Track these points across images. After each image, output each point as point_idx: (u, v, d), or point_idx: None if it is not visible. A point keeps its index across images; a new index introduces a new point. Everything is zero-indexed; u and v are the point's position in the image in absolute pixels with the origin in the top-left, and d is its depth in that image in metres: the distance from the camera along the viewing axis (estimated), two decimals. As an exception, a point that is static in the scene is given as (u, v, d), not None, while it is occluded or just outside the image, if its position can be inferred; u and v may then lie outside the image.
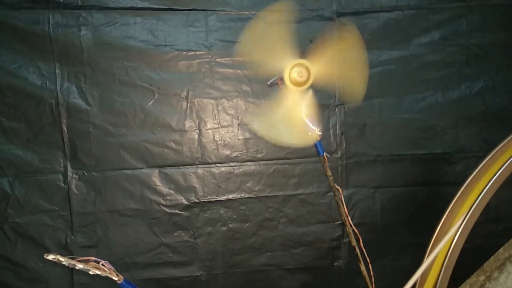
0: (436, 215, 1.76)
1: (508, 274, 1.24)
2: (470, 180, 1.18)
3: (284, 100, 1.29)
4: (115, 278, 0.96)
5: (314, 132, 1.21)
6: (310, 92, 1.29)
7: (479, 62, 1.72)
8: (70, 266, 0.91)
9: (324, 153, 1.22)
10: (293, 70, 1.26)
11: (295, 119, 1.27)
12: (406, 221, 1.75)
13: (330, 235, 1.74)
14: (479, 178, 1.17)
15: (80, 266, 0.89)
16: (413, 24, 1.71)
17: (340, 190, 1.24)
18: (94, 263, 0.92)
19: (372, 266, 1.70)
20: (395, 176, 1.74)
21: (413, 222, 1.75)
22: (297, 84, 1.24)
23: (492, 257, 1.33)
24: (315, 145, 1.22)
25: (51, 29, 1.57)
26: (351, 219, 1.69)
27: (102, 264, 0.93)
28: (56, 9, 1.57)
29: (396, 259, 1.76)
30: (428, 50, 1.72)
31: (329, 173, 1.24)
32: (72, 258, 0.92)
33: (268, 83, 1.34)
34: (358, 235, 1.27)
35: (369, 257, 1.70)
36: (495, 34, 1.72)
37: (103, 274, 0.93)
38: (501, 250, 1.34)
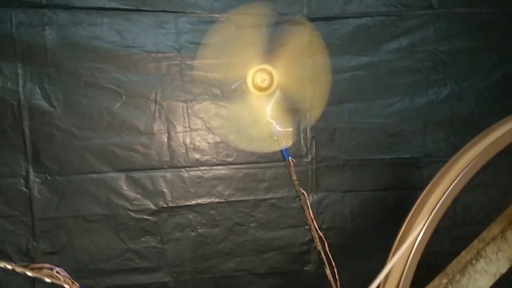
0: (405, 218, 1.79)
1: (470, 277, 1.26)
2: (432, 183, 1.18)
3: (249, 104, 1.29)
4: (67, 287, 0.91)
5: (279, 137, 1.20)
6: (275, 97, 1.28)
7: (446, 69, 1.76)
8: (22, 274, 0.87)
9: (290, 158, 1.21)
10: (256, 75, 1.25)
11: (261, 124, 1.27)
12: (375, 225, 1.77)
13: (300, 239, 1.73)
14: (441, 181, 1.18)
15: (30, 274, 0.85)
16: (382, 31, 1.74)
17: (305, 194, 1.24)
18: (48, 271, 0.88)
19: (342, 270, 1.71)
20: (364, 181, 1.75)
21: (383, 226, 1.77)
22: (260, 89, 1.24)
23: (455, 260, 1.35)
24: (280, 150, 1.22)
25: (13, 28, 1.53)
26: (321, 223, 1.71)
27: (56, 272, 0.89)
28: (19, 8, 1.53)
29: (366, 262, 1.77)
30: (397, 56, 1.75)
31: (294, 177, 1.24)
32: (25, 266, 0.88)
33: (233, 87, 1.33)
34: (324, 239, 1.27)
35: (339, 261, 1.71)
36: (462, 41, 1.76)
37: (56, 282, 0.89)
38: (463, 253, 1.36)
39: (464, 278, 1.24)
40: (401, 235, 1.18)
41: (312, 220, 1.20)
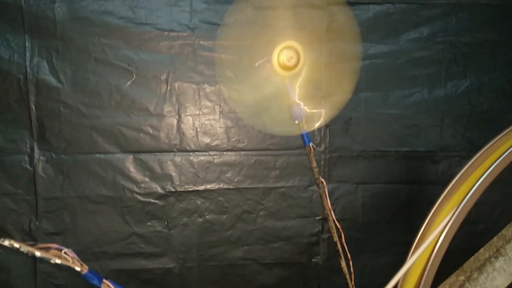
0: (418, 214, 1.75)
1: (488, 275, 1.23)
2: (457, 179, 1.15)
3: (270, 85, 1.23)
4: (78, 268, 0.87)
5: (301, 120, 1.15)
6: (300, 78, 1.23)
7: (467, 61, 1.72)
8: (29, 254, 0.83)
9: (310, 144, 1.17)
10: (282, 52, 1.20)
11: (282, 106, 1.22)
12: (387, 218, 1.74)
13: (310, 230, 1.70)
14: (465, 178, 1.14)
15: (38, 253, 0.81)
16: (403, 19, 1.69)
17: (324, 183, 1.19)
18: (56, 251, 0.83)
19: (351, 263, 1.67)
20: (378, 173, 1.72)
21: (394, 220, 1.74)
22: (286, 68, 1.18)
23: (472, 257, 1.31)
24: (302, 134, 1.17)
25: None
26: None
27: (65, 253, 0.85)
28: (29, -22, 1.47)
29: (375, 257, 1.74)
30: (416, 46, 1.71)
31: (314, 164, 1.19)
32: (32, 245, 0.83)
33: (256, 64, 1.28)
34: (341, 230, 1.22)
35: (350, 254, 1.67)
36: (484, 33, 1.72)
37: (65, 263, 0.84)
38: (481, 250, 1.32)
39: (482, 276, 1.21)
40: (423, 231, 1.15)
41: (330, 210, 1.16)
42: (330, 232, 1.24)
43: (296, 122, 1.16)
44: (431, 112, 1.72)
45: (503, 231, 1.38)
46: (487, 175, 1.12)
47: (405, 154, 1.72)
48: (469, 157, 1.74)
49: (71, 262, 0.85)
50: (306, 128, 1.17)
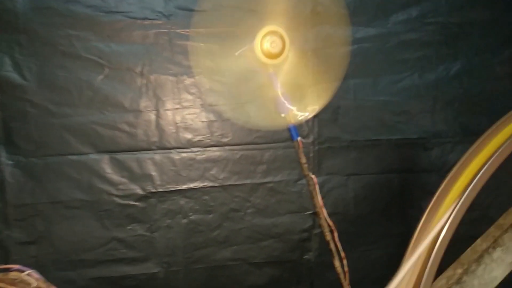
0: (411, 203, 1.72)
1: (486, 266, 1.19)
2: (457, 168, 1.09)
3: (254, 75, 1.16)
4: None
5: (288, 113, 1.08)
6: (286, 67, 1.16)
7: (458, 42, 1.68)
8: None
9: (299, 138, 1.10)
10: (265, 39, 1.12)
11: (267, 98, 1.14)
12: (380, 210, 1.70)
13: (301, 226, 1.65)
14: (465, 167, 1.09)
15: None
16: (391, 0, 1.62)
17: (314, 179, 1.13)
18: (17, 272, 0.74)
19: (345, 257, 1.63)
20: (369, 163, 1.67)
21: (388, 211, 1.70)
22: (270, 55, 1.10)
23: (470, 248, 1.28)
24: (289, 128, 1.10)
25: (-23, -11, 1.35)
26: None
27: (28, 274, 0.76)
28: (-17, -35, 1.36)
29: (369, 250, 1.71)
30: (406, 28, 1.65)
31: (303, 160, 1.13)
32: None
33: (237, 53, 1.20)
34: (333, 228, 1.17)
35: (343, 248, 1.63)
36: (475, 13, 1.68)
37: (26, 288, 0.75)
38: (478, 241, 1.29)
39: (480, 267, 1.18)
40: (422, 225, 1.10)
41: (322, 207, 1.11)
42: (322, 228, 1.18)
43: (282, 115, 1.09)
44: (422, 97, 1.68)
45: (500, 220, 1.35)
46: (489, 164, 1.06)
47: (397, 142, 1.68)
48: (463, 142, 1.73)
49: (36, 286, 0.76)
50: (293, 121, 1.11)
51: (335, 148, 1.65)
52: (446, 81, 1.68)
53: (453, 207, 1.10)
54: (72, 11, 1.42)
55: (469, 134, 1.69)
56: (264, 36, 1.13)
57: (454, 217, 1.08)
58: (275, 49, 1.11)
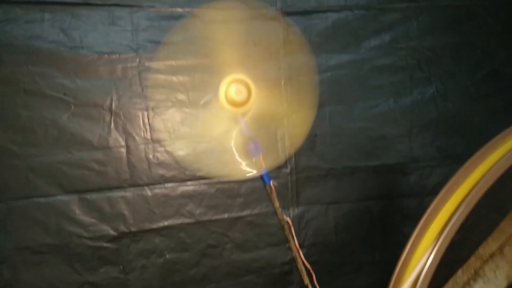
0: (393, 229, 1.70)
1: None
2: (439, 198, 1.06)
3: (221, 110, 1.12)
4: None
5: (258, 158, 1.05)
6: (252, 111, 1.13)
7: (431, 66, 1.68)
8: None
9: (271, 182, 1.07)
10: (230, 87, 1.09)
11: (233, 145, 1.11)
12: (361, 237, 1.67)
13: (282, 258, 1.60)
14: (452, 193, 1.06)
15: None
16: (363, 26, 1.63)
17: (290, 223, 1.09)
18: None
19: (328, 288, 1.59)
20: (348, 191, 1.64)
21: (369, 239, 1.67)
22: (235, 104, 1.07)
23: (451, 280, 1.27)
24: (261, 174, 1.06)
25: None
26: (304, 239, 1.58)
27: None
28: None
29: (352, 279, 1.67)
30: (379, 53, 1.64)
31: (277, 204, 1.09)
32: None
33: (201, 102, 1.16)
34: (312, 271, 1.13)
35: (323, 279, 1.60)
36: (446, 36, 1.68)
37: None
38: (459, 273, 1.29)
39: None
40: (403, 262, 1.07)
41: (298, 251, 1.07)
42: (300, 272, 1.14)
43: (253, 160, 1.05)
44: (398, 122, 1.67)
45: (480, 250, 1.33)
46: (476, 191, 1.04)
47: (375, 168, 1.66)
48: (441, 166, 1.73)
49: None
50: (265, 166, 1.07)
51: (314, 177, 1.62)
52: (422, 105, 1.68)
53: (437, 237, 1.08)
54: (34, 47, 1.36)
55: (447, 157, 1.69)
56: (230, 83, 1.10)
57: (439, 246, 1.06)
58: (240, 98, 1.08)
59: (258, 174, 1.03)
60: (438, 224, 1.08)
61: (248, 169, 1.38)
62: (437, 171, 1.69)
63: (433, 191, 1.69)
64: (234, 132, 1.19)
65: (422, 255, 1.07)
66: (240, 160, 1.32)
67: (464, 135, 1.71)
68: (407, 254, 1.08)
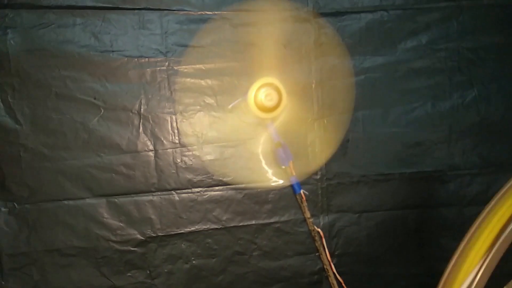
0: (429, 241, 1.60)
1: None
2: (489, 208, 0.97)
3: (250, 115, 1.08)
4: None
5: (287, 166, 1.00)
6: (282, 116, 1.07)
7: (472, 68, 1.57)
8: None
9: (302, 191, 1.01)
10: (260, 91, 1.04)
11: (261, 152, 1.06)
12: (395, 248, 1.58)
13: (311, 268, 1.53)
14: (500, 206, 0.96)
15: None
16: (399, 26, 1.54)
17: (321, 233, 1.04)
18: None
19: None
20: (382, 199, 1.56)
21: (403, 250, 1.58)
22: (265, 109, 1.02)
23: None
24: (291, 181, 1.01)
25: (-31, 32, 1.32)
26: (334, 249, 1.51)
27: None
28: (-25, 8, 1.32)
29: (385, 292, 1.58)
30: (415, 55, 1.55)
31: (307, 214, 1.04)
32: None
33: (229, 106, 1.12)
34: (343, 284, 1.07)
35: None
36: (488, 37, 1.57)
37: None
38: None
39: None
40: (447, 277, 0.98)
41: (330, 264, 1.01)
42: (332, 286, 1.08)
43: (283, 167, 1.00)
44: (437, 127, 1.57)
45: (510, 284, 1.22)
46: None
47: (411, 176, 1.56)
48: (482, 174, 1.61)
49: None
50: (295, 173, 1.02)
51: (345, 184, 1.54)
52: (462, 109, 1.57)
53: (488, 251, 0.98)
54: (65, 52, 1.37)
55: (489, 165, 1.57)
56: (259, 88, 1.05)
57: (489, 262, 0.96)
58: (270, 103, 1.03)
59: (288, 183, 0.98)
60: (488, 236, 0.99)
61: (275, 178, 1.33)
62: (478, 180, 1.58)
63: (474, 200, 1.57)
64: (262, 138, 1.14)
65: (470, 271, 0.98)
66: (267, 167, 1.27)
67: (508, 142, 1.59)
68: (452, 268, 1.00)
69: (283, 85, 1.40)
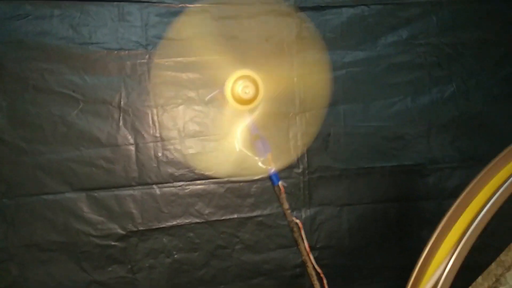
0: (409, 233, 1.60)
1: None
2: (460, 200, 0.98)
3: (231, 108, 1.06)
4: None
5: (265, 157, 0.99)
6: (261, 108, 1.06)
7: (451, 64, 1.58)
8: None
9: (280, 183, 1.00)
10: (237, 84, 1.02)
11: (241, 144, 1.05)
12: (376, 241, 1.58)
13: (293, 261, 1.52)
14: (473, 195, 0.98)
15: None
16: (380, 21, 1.54)
17: (300, 224, 1.03)
18: None
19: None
20: (363, 192, 1.56)
21: (385, 242, 1.58)
22: (242, 101, 1.01)
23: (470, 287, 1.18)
24: (269, 174, 1.00)
25: None
26: (316, 242, 1.51)
27: None
28: (-51, -2, 1.27)
29: (366, 284, 1.59)
30: (396, 50, 1.55)
31: (286, 206, 1.03)
32: None
33: (206, 98, 1.10)
34: (322, 275, 1.06)
35: (336, 284, 1.52)
36: (468, 33, 1.58)
37: None
38: (479, 280, 1.20)
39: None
40: (420, 267, 0.99)
41: (309, 254, 1.01)
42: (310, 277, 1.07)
43: (261, 159, 0.99)
44: (416, 121, 1.57)
45: (501, 257, 1.24)
46: (499, 195, 0.96)
47: (391, 170, 1.56)
48: (461, 167, 1.62)
49: None
50: (275, 166, 1.01)
51: (327, 178, 1.53)
52: (441, 104, 1.58)
53: (458, 242, 0.99)
54: (43, 44, 1.33)
55: (467, 159, 1.59)
56: (236, 80, 1.03)
57: (459, 252, 0.97)
58: (248, 96, 1.01)
59: (266, 175, 0.96)
60: (458, 228, 1.00)
61: (257, 169, 1.32)
62: (457, 173, 1.59)
63: (453, 193, 1.58)
64: (243, 132, 1.13)
65: (441, 261, 0.99)
66: (248, 160, 1.26)
67: (486, 136, 1.60)
68: (424, 259, 1.00)
69: (265, 79, 1.39)
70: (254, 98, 1.01)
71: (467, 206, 0.98)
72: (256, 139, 0.98)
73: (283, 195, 1.00)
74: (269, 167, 0.97)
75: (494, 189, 1.00)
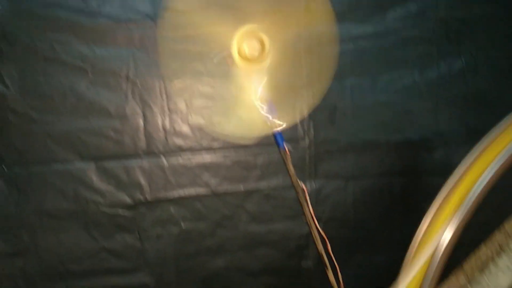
0: (414, 207, 1.61)
1: (490, 274, 1.08)
2: (462, 168, 0.97)
3: (238, 80, 1.06)
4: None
5: (271, 120, 0.99)
6: (278, 67, 1.06)
7: (460, 38, 1.56)
8: None
9: (285, 145, 1.00)
10: (243, 42, 1.02)
11: (248, 104, 1.05)
12: (381, 214, 1.59)
13: (298, 232, 1.54)
14: (472, 167, 0.97)
15: None
16: (389, -6, 1.52)
17: (305, 189, 1.04)
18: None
19: (345, 265, 1.53)
20: (369, 166, 1.56)
21: (389, 216, 1.59)
22: (249, 60, 1.01)
23: (473, 255, 1.18)
24: (274, 135, 1.00)
25: (-46, -7, 1.28)
26: (321, 214, 1.52)
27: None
28: (-40, -31, 1.28)
29: (371, 256, 1.60)
30: (405, 24, 1.54)
31: (291, 169, 1.04)
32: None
33: (214, 60, 1.10)
34: (326, 239, 1.07)
35: (342, 256, 1.54)
36: (477, 8, 1.55)
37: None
38: (482, 248, 1.19)
39: (485, 276, 1.07)
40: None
41: (313, 218, 1.02)
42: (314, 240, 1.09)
43: (267, 121, 1.00)
44: (424, 96, 1.56)
45: (505, 225, 1.24)
46: (498, 164, 0.95)
47: (398, 144, 1.56)
48: (468, 143, 1.57)
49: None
50: (278, 127, 1.01)
51: (333, 151, 1.54)
52: (449, 78, 1.56)
53: (457, 212, 0.99)
54: (53, 15, 1.33)
55: (475, 134, 1.55)
56: (242, 38, 1.03)
57: (458, 223, 0.98)
58: (254, 54, 1.01)
59: (271, 132, 0.97)
60: (457, 198, 1.00)
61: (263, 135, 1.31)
62: (463, 148, 1.54)
63: (459, 169, 1.59)
64: (250, 102, 1.13)
65: (439, 230, 0.99)
66: (255, 128, 1.27)
67: (494, 111, 1.58)
68: (424, 228, 1.01)
69: (272, 49, 1.38)
70: (261, 56, 1.01)
71: (466, 175, 0.98)
72: (263, 101, 0.99)
73: (288, 157, 1.00)
74: (275, 129, 0.98)
75: (493, 157, 1.00)
